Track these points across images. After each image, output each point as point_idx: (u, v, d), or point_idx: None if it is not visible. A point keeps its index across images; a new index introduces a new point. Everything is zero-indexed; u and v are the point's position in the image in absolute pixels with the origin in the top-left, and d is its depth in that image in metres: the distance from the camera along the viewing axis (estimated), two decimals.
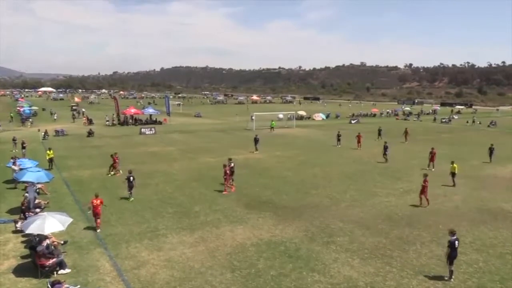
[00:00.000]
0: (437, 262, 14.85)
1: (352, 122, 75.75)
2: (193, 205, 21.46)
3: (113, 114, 67.28)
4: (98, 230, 17.58)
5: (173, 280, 13.29)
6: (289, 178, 28.25)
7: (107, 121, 65.33)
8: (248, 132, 55.83)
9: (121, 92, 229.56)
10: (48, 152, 30.54)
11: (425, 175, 22.06)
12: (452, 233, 13.74)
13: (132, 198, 22.30)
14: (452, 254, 13.43)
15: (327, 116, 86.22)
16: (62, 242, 15.85)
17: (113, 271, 13.92)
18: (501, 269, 14.34)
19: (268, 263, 14.62)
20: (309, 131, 60.41)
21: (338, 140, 43.80)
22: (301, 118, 79.51)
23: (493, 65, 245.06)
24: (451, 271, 13.53)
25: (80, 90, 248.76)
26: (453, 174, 26.24)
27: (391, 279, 13.54)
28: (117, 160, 28.82)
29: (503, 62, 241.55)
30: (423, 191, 21.74)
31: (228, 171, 24.41)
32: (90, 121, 64.57)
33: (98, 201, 17.86)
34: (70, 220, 15.30)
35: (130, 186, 22.35)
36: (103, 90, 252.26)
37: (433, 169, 30.43)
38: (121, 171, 28.24)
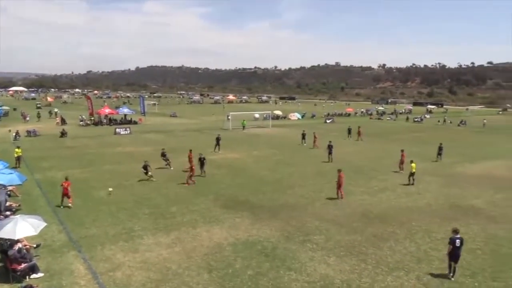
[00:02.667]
0: (411, 258, 15.24)
1: (327, 121, 76.54)
2: (169, 206, 21.32)
3: (83, 116, 66.19)
4: (70, 204, 20.71)
5: (149, 282, 13.17)
6: (265, 177, 28.38)
7: (81, 121, 64.17)
8: (225, 132, 55.76)
9: (95, 91, 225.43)
10: (16, 150, 30.22)
11: (339, 170, 23.15)
12: (456, 231, 13.87)
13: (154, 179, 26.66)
14: (453, 252, 13.60)
15: (303, 116, 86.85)
16: (34, 245, 15.46)
17: (88, 274, 13.70)
18: (472, 263, 14.79)
19: (245, 262, 14.67)
20: (285, 130, 60.74)
21: (303, 138, 44.98)
22: (277, 117, 79.86)
23: (463, 66, 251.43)
24: (454, 268, 13.75)
25: (52, 90, 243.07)
26: (411, 174, 26.50)
27: (367, 276, 13.79)
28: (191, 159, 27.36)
29: (472, 63, 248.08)
30: (339, 184, 22.88)
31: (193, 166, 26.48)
32: (63, 121, 63.17)
33: (66, 184, 20.80)
34: (43, 224, 14.85)
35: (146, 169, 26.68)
36: (77, 90, 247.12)
37: (402, 171, 30.66)
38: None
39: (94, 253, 15.37)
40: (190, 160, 27.21)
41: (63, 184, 20.91)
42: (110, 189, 23.62)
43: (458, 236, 13.79)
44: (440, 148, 35.68)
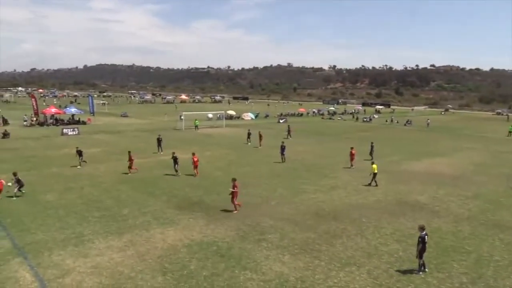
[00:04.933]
0: (362, 253, 15.72)
1: (281, 121, 77.36)
2: (121, 208, 20.76)
3: (32, 114, 63.16)
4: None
5: (101, 287, 12.76)
6: (219, 177, 28.28)
7: (25, 121, 61.14)
8: (178, 132, 55.13)
9: (40, 90, 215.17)
10: None
11: (234, 180, 20.82)
12: (422, 228, 14.15)
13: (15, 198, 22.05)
14: (424, 248, 13.93)
15: (256, 116, 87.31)
16: None
17: (35, 281, 13.06)
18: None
19: (200, 263, 14.57)
20: (239, 130, 60.72)
21: (248, 138, 45.84)
22: (230, 117, 79.84)
23: (408, 68, 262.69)
24: (423, 263, 14.16)
25: None
26: (374, 175, 26.55)
27: (320, 272, 14.08)
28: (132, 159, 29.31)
29: (417, 65, 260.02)
30: (233, 196, 20.67)
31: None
32: (5, 122, 59.89)
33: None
34: None
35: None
36: (20, 88, 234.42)
37: (353, 167, 31.78)
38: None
39: (41, 259, 14.68)
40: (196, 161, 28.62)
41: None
42: (9, 184, 22.31)
43: (425, 232, 14.12)
44: (371, 147, 36.86)
